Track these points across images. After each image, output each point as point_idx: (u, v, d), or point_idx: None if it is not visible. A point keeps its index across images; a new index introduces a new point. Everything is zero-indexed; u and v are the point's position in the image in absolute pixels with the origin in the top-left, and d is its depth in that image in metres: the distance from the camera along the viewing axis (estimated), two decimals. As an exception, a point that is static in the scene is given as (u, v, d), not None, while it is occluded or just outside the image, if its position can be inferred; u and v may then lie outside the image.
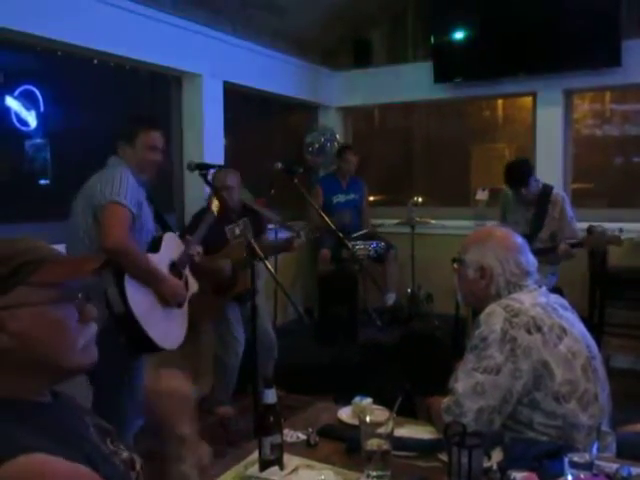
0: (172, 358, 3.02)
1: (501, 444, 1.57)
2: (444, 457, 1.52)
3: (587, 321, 2.54)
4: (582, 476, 1.34)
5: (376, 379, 3.55)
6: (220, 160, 4.21)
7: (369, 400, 1.90)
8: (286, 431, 1.68)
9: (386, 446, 1.46)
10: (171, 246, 2.90)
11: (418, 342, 4.09)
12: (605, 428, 1.76)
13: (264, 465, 1.51)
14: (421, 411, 1.90)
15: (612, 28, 4.48)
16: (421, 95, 5.38)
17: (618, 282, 4.44)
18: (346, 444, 1.65)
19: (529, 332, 1.70)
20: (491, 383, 1.67)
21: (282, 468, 1.52)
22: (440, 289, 4.78)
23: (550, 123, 4.91)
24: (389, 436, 1.47)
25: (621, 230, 3.82)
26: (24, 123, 3.40)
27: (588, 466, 1.35)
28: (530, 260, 1.89)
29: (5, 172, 3.48)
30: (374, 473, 1.46)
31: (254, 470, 1.52)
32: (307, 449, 1.67)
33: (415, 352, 3.84)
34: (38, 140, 3.51)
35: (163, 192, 3.99)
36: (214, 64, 4.25)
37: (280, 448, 1.53)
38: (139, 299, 2.62)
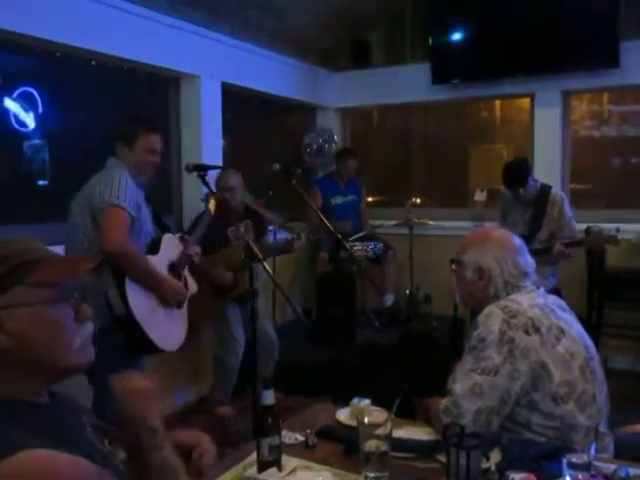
0: (172, 358, 3.03)
1: (499, 445, 1.58)
2: (442, 458, 1.52)
3: (585, 322, 2.54)
4: (580, 477, 1.34)
5: (374, 380, 3.55)
6: (218, 161, 4.21)
7: (367, 401, 1.90)
8: (284, 432, 1.68)
9: (384, 447, 1.46)
10: (170, 247, 2.91)
11: (416, 343, 4.09)
12: (603, 429, 1.76)
13: (262, 466, 1.51)
14: (419, 412, 1.90)
15: (610, 29, 4.48)
16: (419, 96, 5.39)
17: (616, 283, 4.44)
18: (344, 445, 1.65)
19: (527, 333, 1.70)
20: (489, 384, 1.67)
21: (280, 469, 1.52)
22: (438, 290, 4.78)
23: (548, 124, 4.92)
24: (387, 437, 1.47)
25: (618, 230, 3.83)
26: (22, 124, 3.40)
27: (586, 467, 1.35)
28: (528, 261, 1.90)
29: (4, 173, 3.47)
30: (372, 474, 1.46)
31: (252, 471, 1.53)
32: (305, 450, 1.67)
33: (413, 353, 3.84)
34: (36, 141, 3.51)
35: (161, 193, 3.99)
36: (212, 65, 4.25)
37: (278, 449, 1.53)
38: (140, 301, 2.63)
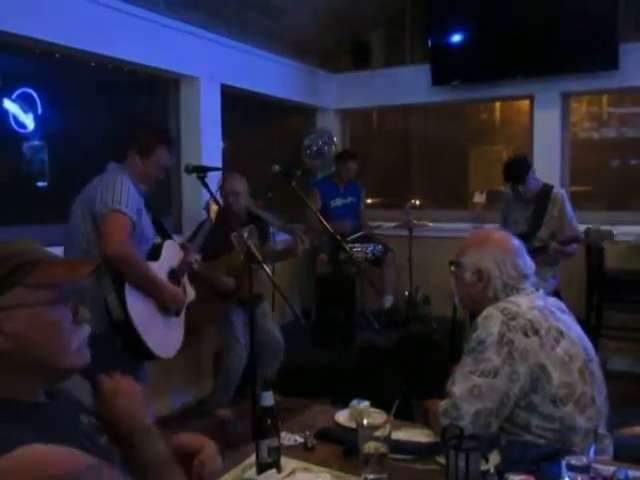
0: (172, 361, 3.03)
1: (498, 447, 1.58)
2: (441, 460, 1.52)
3: (584, 324, 2.54)
4: (579, 479, 1.34)
5: (373, 382, 3.55)
6: (218, 163, 4.21)
7: (366, 403, 1.90)
8: (283, 434, 1.68)
9: (383, 449, 1.46)
10: (171, 254, 2.91)
11: (415, 345, 4.10)
12: (602, 431, 1.76)
13: (261, 468, 1.51)
14: (418, 414, 1.90)
15: (609, 31, 4.49)
16: (419, 97, 5.39)
17: (615, 285, 4.44)
18: (343, 447, 1.65)
19: (526, 335, 1.70)
20: (488, 386, 1.67)
21: (279, 471, 1.52)
22: (438, 292, 4.78)
23: (547, 126, 4.93)
24: (386, 439, 1.47)
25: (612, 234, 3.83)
26: (22, 125, 3.40)
27: (585, 469, 1.35)
28: (528, 263, 1.90)
29: (3, 174, 3.47)
30: (371, 476, 1.46)
31: (251, 473, 1.52)
32: (304, 452, 1.67)
33: (412, 355, 3.84)
34: (36, 142, 3.51)
35: (161, 195, 3.99)
36: (212, 67, 4.25)
37: (277, 451, 1.53)
38: (138, 307, 2.62)
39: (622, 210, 4.87)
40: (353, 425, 1.63)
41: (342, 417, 1.87)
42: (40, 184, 3.60)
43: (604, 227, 3.88)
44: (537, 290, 1.89)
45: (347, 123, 6.04)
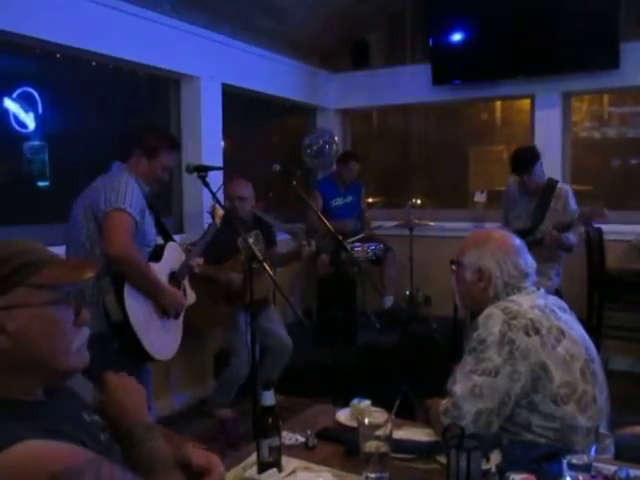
0: (173, 361, 3.03)
1: (500, 446, 1.57)
2: (442, 459, 1.52)
3: (585, 323, 2.54)
4: (580, 478, 1.34)
5: (374, 381, 3.55)
6: (219, 162, 4.21)
7: (367, 402, 1.90)
8: (284, 433, 1.68)
9: (384, 448, 1.46)
10: (173, 256, 2.91)
11: (416, 344, 4.10)
12: (603, 430, 1.76)
13: (262, 467, 1.51)
14: (419, 413, 1.90)
15: (611, 30, 4.49)
16: (419, 97, 5.39)
17: (617, 284, 4.44)
18: (344, 446, 1.65)
19: (527, 334, 1.70)
20: (489, 385, 1.67)
21: (280, 470, 1.52)
22: (438, 291, 4.79)
23: (548, 125, 4.93)
24: (387, 438, 1.47)
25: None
26: (22, 125, 3.40)
27: (586, 468, 1.35)
28: (528, 262, 1.90)
29: (3, 174, 3.47)
30: (372, 475, 1.46)
31: (252, 472, 1.52)
32: (305, 451, 1.67)
33: (413, 354, 3.84)
34: (36, 142, 3.51)
35: (161, 195, 3.99)
36: (212, 66, 4.25)
37: (278, 450, 1.53)
38: (137, 308, 2.62)
39: (623, 209, 4.87)
40: (354, 424, 1.63)
41: (343, 416, 1.87)
42: (41, 184, 3.60)
43: (607, 231, 3.87)
44: (538, 289, 1.89)
45: (347, 123, 6.04)
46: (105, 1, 3.41)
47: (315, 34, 5.14)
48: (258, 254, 2.69)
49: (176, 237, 3.15)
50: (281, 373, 3.80)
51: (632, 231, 4.59)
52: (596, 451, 1.47)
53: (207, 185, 2.79)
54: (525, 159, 4.05)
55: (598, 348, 1.95)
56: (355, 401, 1.91)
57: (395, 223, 4.92)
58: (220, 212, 3.13)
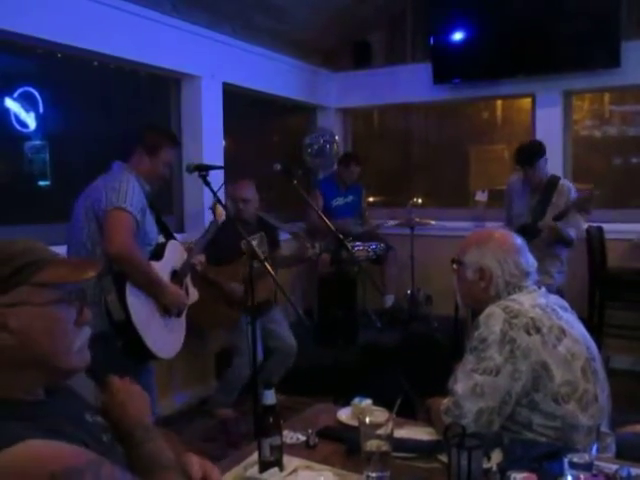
0: (174, 360, 3.03)
1: (501, 445, 1.57)
2: (444, 458, 1.52)
3: (586, 322, 2.54)
4: (582, 477, 1.34)
5: (376, 380, 3.55)
6: (220, 162, 4.21)
7: (369, 401, 1.90)
8: (285, 432, 1.68)
9: (385, 447, 1.46)
10: (174, 254, 2.90)
11: (417, 343, 4.10)
12: (604, 429, 1.76)
13: (264, 466, 1.51)
14: (421, 412, 1.90)
15: (611, 29, 4.48)
16: (420, 96, 5.39)
17: (618, 283, 4.43)
18: (346, 445, 1.65)
19: (528, 333, 1.70)
20: (490, 384, 1.67)
21: (282, 469, 1.52)
22: (439, 290, 4.78)
23: (549, 124, 4.92)
24: (389, 437, 1.47)
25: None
26: (24, 125, 3.40)
27: (588, 467, 1.35)
28: (529, 261, 1.90)
29: (5, 174, 3.48)
30: (373, 474, 1.46)
31: (254, 471, 1.52)
32: (306, 450, 1.67)
33: (414, 353, 3.84)
34: (38, 142, 3.51)
35: (162, 194, 3.99)
36: (213, 66, 4.25)
37: (280, 449, 1.53)
38: (139, 307, 2.62)
39: (624, 208, 4.87)
40: (355, 423, 1.63)
41: (344, 415, 1.87)
42: (42, 183, 3.60)
43: (607, 230, 3.84)
44: (539, 288, 1.89)
45: (348, 122, 6.04)
46: (106, 1, 3.41)
47: (316, 33, 5.14)
48: (260, 255, 2.69)
49: (177, 236, 3.15)
50: (282, 373, 3.80)
51: (633, 230, 4.59)
52: (597, 450, 1.47)
53: (208, 184, 2.79)
54: (531, 152, 4.05)
55: (599, 347, 1.95)
56: (356, 400, 1.91)
57: (396, 222, 4.92)
58: (221, 209, 3.13)
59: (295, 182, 3.15)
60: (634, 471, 1.41)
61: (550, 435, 1.68)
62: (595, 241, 4.44)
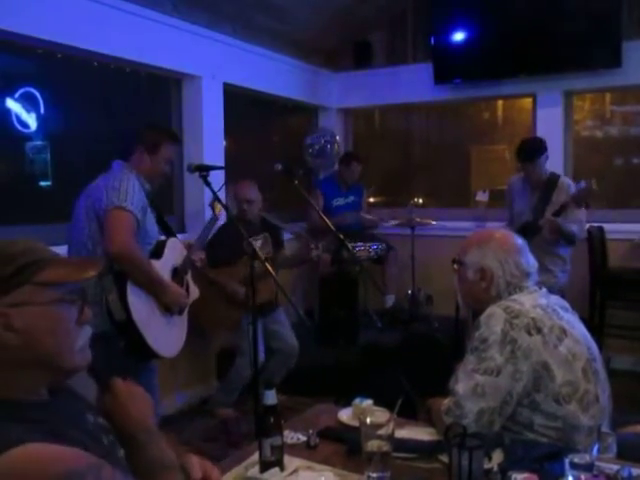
0: (174, 359, 3.03)
1: (502, 445, 1.57)
2: (445, 459, 1.52)
3: (587, 322, 2.54)
4: (583, 477, 1.34)
5: (376, 381, 3.55)
6: (220, 162, 4.21)
7: (369, 401, 1.90)
8: (286, 432, 1.68)
9: (386, 447, 1.46)
10: (174, 252, 2.90)
11: (418, 344, 4.09)
12: (606, 429, 1.76)
13: (264, 466, 1.51)
14: (421, 412, 1.90)
15: (612, 29, 4.48)
16: (421, 96, 5.39)
17: (619, 283, 4.43)
18: (346, 445, 1.65)
19: (529, 333, 1.70)
20: (491, 384, 1.67)
21: (282, 469, 1.52)
22: (440, 291, 4.78)
23: (550, 124, 4.91)
24: (389, 437, 1.47)
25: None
26: (25, 125, 3.40)
27: (589, 467, 1.35)
28: (530, 261, 1.90)
29: (6, 174, 3.48)
30: (374, 474, 1.46)
31: (254, 471, 1.52)
32: (307, 450, 1.67)
33: (415, 354, 3.83)
34: (39, 142, 3.52)
35: (163, 194, 3.99)
36: (214, 66, 4.25)
37: (280, 449, 1.53)
38: (140, 306, 2.62)
39: (625, 208, 4.86)
40: (356, 424, 1.63)
41: (345, 415, 1.88)
42: (43, 183, 3.60)
43: (608, 230, 3.81)
44: (540, 288, 1.89)
45: (349, 122, 6.04)
46: (106, 1, 3.41)
47: (317, 33, 5.14)
48: (261, 255, 2.69)
49: (178, 236, 3.15)
50: (284, 373, 3.80)
51: (634, 230, 4.58)
52: (598, 450, 1.46)
53: (209, 185, 2.79)
54: (532, 148, 4.06)
55: (600, 347, 1.95)
56: (357, 400, 1.91)
57: (397, 222, 4.92)
58: (220, 207, 3.13)
59: (296, 182, 3.15)
60: (635, 471, 1.41)
61: (551, 435, 1.68)
62: (596, 241, 4.44)
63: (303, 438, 1.72)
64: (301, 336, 3.94)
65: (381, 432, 1.47)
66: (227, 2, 4.15)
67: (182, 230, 4.23)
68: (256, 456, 1.55)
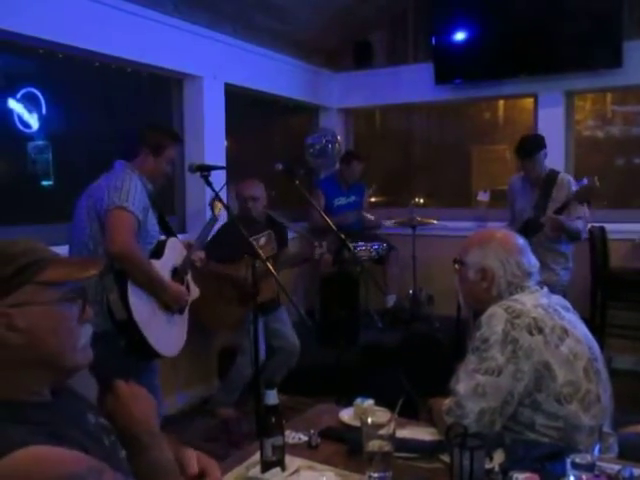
0: (175, 359, 3.03)
1: (503, 445, 1.57)
2: (446, 458, 1.52)
3: (589, 322, 2.54)
4: (584, 477, 1.34)
5: (377, 380, 3.55)
6: (221, 162, 4.21)
7: (371, 401, 1.90)
8: (288, 432, 1.68)
9: (388, 447, 1.46)
10: (174, 251, 2.91)
11: (419, 344, 4.09)
12: (607, 429, 1.76)
13: (266, 466, 1.51)
14: (423, 412, 1.90)
15: (613, 29, 4.48)
16: (422, 96, 5.39)
17: (620, 283, 4.43)
18: (348, 445, 1.66)
19: (530, 333, 1.70)
20: (492, 384, 1.67)
21: (284, 469, 1.52)
22: (441, 290, 4.78)
23: (551, 124, 4.91)
24: (391, 437, 1.47)
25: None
26: (26, 125, 3.41)
27: (590, 467, 1.35)
28: (532, 261, 1.90)
29: (8, 174, 3.48)
30: (375, 474, 1.46)
31: (256, 471, 1.53)
32: (309, 450, 1.67)
33: (416, 354, 3.84)
34: (40, 142, 3.52)
35: (164, 194, 3.99)
36: (215, 66, 4.26)
37: (282, 449, 1.53)
38: (141, 306, 2.62)
39: (627, 208, 4.86)
40: (357, 423, 1.63)
41: (346, 415, 1.88)
42: (45, 183, 3.60)
43: (609, 230, 3.79)
44: (541, 288, 1.89)
45: (350, 122, 6.04)
46: (108, 1, 3.42)
47: (317, 33, 5.14)
48: (262, 255, 2.69)
49: (179, 237, 3.16)
50: (285, 373, 3.80)
51: (636, 230, 4.58)
52: (600, 450, 1.47)
53: (210, 185, 2.79)
54: (531, 144, 4.06)
55: (601, 347, 1.95)
56: (358, 400, 1.91)
57: (398, 222, 4.91)
58: (220, 206, 3.13)
59: (297, 182, 3.15)
60: (636, 471, 1.41)
61: (552, 435, 1.68)
62: (597, 241, 4.43)
63: (304, 438, 1.72)
64: (302, 336, 3.94)
65: (382, 432, 1.47)
66: (228, 2, 4.16)
67: (183, 230, 4.23)
68: (257, 456, 1.55)
